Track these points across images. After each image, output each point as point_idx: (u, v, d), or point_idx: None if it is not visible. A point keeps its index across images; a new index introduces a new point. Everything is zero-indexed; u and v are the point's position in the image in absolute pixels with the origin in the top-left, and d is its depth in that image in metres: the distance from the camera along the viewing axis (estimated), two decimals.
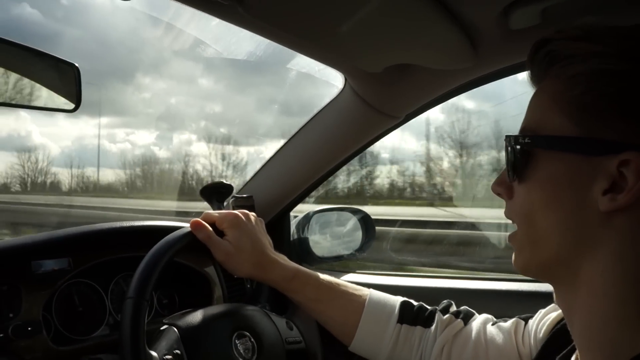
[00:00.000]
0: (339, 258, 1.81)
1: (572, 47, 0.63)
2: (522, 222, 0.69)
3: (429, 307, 1.09)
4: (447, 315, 1.05)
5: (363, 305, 1.08)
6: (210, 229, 1.05)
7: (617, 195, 0.58)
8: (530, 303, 0.99)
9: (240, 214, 1.09)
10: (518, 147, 0.67)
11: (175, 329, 0.99)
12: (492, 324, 1.03)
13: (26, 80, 1.03)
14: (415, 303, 1.11)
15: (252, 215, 1.12)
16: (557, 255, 0.64)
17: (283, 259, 1.11)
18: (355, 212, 1.85)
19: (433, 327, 1.04)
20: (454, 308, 1.09)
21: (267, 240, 1.12)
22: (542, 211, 0.65)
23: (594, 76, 0.60)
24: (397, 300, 1.11)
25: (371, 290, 1.13)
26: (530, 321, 0.97)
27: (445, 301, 1.11)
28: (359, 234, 1.82)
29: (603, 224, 0.60)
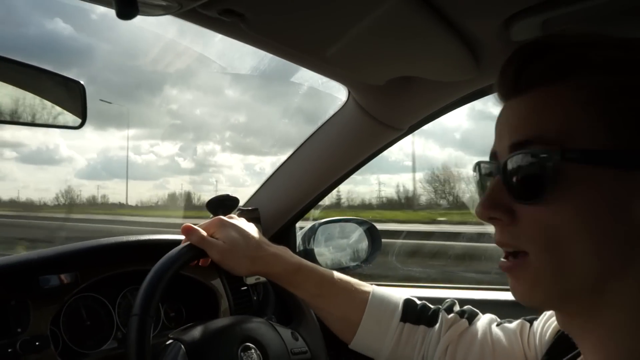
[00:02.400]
0: (344, 269, 1.80)
1: (599, 55, 0.59)
2: (542, 250, 0.59)
3: (432, 307, 1.08)
4: (451, 315, 1.04)
5: (366, 302, 1.06)
6: (203, 231, 1.04)
7: None
8: (537, 314, 0.99)
9: (222, 217, 1.08)
10: (537, 161, 0.58)
11: (181, 344, 0.99)
12: (497, 325, 1.02)
13: (34, 99, 1.04)
14: (418, 302, 1.09)
15: (235, 216, 1.11)
16: (585, 282, 0.58)
17: (285, 251, 1.08)
18: (361, 223, 1.84)
19: (437, 326, 1.03)
20: (457, 307, 1.07)
21: (261, 236, 1.09)
22: (573, 236, 0.57)
23: (630, 87, 0.57)
24: (400, 298, 1.09)
25: (374, 286, 1.10)
26: (535, 323, 0.96)
27: (448, 300, 1.09)
28: (364, 245, 1.81)
29: (637, 241, 0.56)
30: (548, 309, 0.67)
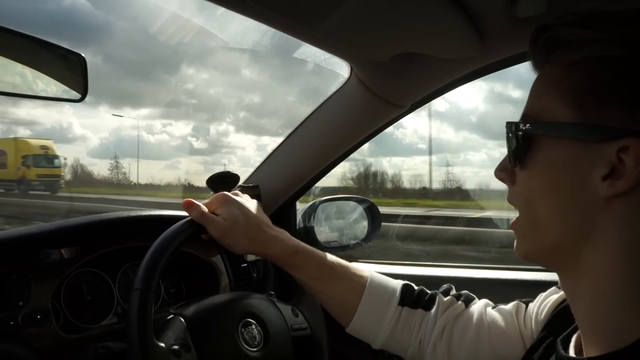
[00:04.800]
0: (345, 248, 1.80)
1: (571, 33, 0.63)
2: (523, 208, 0.70)
3: (429, 291, 1.09)
4: (447, 298, 1.05)
5: (364, 287, 1.07)
6: (204, 207, 1.03)
7: (616, 181, 0.59)
8: (534, 292, 0.99)
9: (227, 193, 1.08)
10: (519, 133, 0.67)
11: (182, 319, 0.99)
12: (493, 308, 1.03)
13: (33, 71, 1.03)
14: (416, 287, 1.10)
15: (240, 193, 1.11)
16: (558, 241, 0.65)
17: (284, 234, 1.09)
18: (361, 201, 1.84)
19: (433, 309, 1.04)
20: (454, 291, 1.08)
21: (263, 217, 1.09)
22: (542, 197, 0.66)
23: (592, 63, 0.61)
24: (399, 283, 1.10)
25: (372, 272, 1.12)
26: (531, 305, 0.98)
27: (445, 285, 1.10)
28: (365, 224, 1.82)
29: (603, 210, 0.61)
30: (538, 263, 0.74)
